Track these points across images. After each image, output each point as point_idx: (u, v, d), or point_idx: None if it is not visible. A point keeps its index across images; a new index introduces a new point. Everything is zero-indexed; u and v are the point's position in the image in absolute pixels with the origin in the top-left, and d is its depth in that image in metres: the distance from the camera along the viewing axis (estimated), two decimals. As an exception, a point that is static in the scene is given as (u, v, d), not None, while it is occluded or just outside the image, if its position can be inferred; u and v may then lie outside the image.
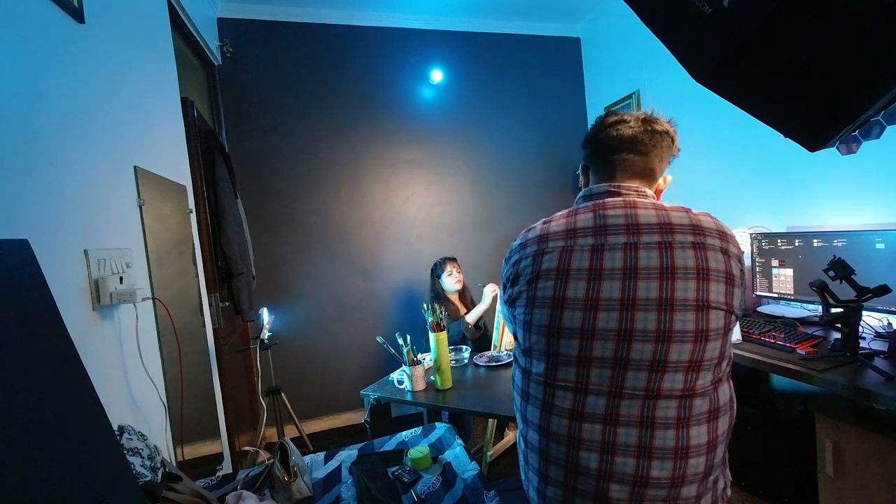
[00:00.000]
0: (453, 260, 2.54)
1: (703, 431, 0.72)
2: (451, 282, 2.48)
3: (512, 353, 0.89)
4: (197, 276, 1.74)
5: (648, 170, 0.85)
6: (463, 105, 3.17)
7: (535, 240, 0.84)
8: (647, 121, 0.86)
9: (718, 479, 0.78)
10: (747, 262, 2.07)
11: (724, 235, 0.76)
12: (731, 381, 0.80)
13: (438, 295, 2.48)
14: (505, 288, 0.89)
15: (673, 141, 0.86)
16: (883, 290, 1.27)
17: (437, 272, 2.52)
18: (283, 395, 2.20)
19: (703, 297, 0.71)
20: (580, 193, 0.90)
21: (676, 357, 0.71)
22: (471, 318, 2.36)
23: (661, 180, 0.89)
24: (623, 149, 0.84)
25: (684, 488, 0.72)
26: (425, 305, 1.85)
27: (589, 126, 0.91)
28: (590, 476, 0.74)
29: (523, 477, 0.88)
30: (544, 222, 0.86)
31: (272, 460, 1.19)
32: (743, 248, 0.82)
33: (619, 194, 0.83)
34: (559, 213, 0.86)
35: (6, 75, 0.84)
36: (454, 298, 2.54)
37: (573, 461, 0.76)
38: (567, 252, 0.78)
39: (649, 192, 0.84)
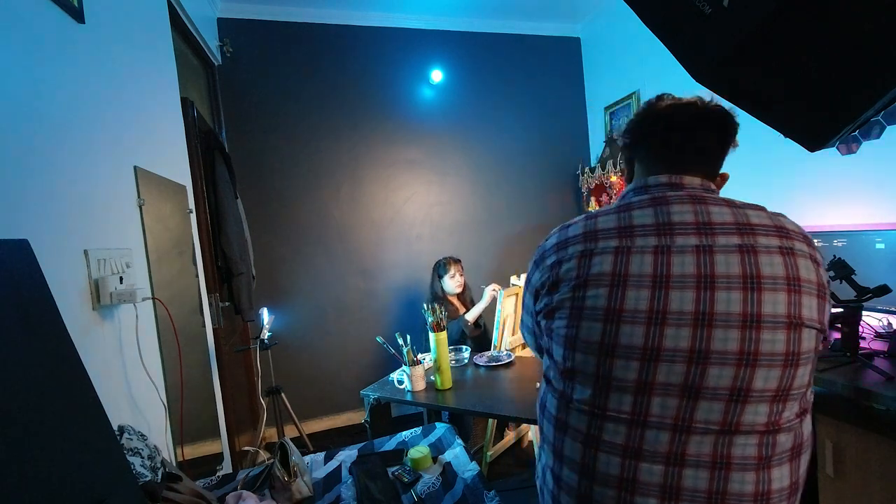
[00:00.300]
0: (458, 262, 2.53)
1: (785, 473, 0.61)
2: (452, 284, 2.48)
3: (544, 374, 0.78)
4: (197, 276, 1.74)
5: (714, 160, 0.73)
6: (463, 105, 3.17)
7: (579, 238, 0.70)
8: (716, 105, 0.71)
9: None
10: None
11: (809, 240, 0.65)
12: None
13: (437, 295, 2.48)
14: (537, 296, 0.75)
15: (737, 131, 0.73)
16: (883, 290, 1.27)
17: (439, 272, 2.52)
18: (283, 395, 2.20)
19: (795, 312, 0.59)
20: (628, 187, 0.76)
21: (762, 385, 0.59)
22: (470, 316, 2.36)
23: (719, 178, 0.76)
24: (698, 126, 0.70)
25: None
26: (425, 305, 1.85)
27: (643, 105, 0.77)
28: None
29: None
30: (587, 218, 0.72)
31: (272, 460, 1.19)
32: None
33: (681, 187, 0.69)
34: (604, 209, 0.72)
35: (6, 75, 0.84)
36: (453, 299, 2.54)
37: None
38: (623, 253, 0.65)
39: (714, 186, 0.72)
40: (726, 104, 0.73)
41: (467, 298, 2.59)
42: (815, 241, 1.73)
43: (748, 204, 0.67)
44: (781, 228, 0.63)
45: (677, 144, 0.71)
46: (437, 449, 1.36)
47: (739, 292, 0.60)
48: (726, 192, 0.72)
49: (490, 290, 2.35)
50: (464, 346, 2.11)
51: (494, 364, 1.97)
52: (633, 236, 0.65)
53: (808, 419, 0.64)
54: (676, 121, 0.71)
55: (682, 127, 0.71)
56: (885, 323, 1.59)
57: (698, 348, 0.60)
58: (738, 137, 0.73)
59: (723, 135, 0.71)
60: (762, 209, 0.66)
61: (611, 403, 0.64)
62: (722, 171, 0.75)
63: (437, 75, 3.06)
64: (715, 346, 0.59)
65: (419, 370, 1.75)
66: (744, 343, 0.59)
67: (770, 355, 0.59)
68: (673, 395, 0.61)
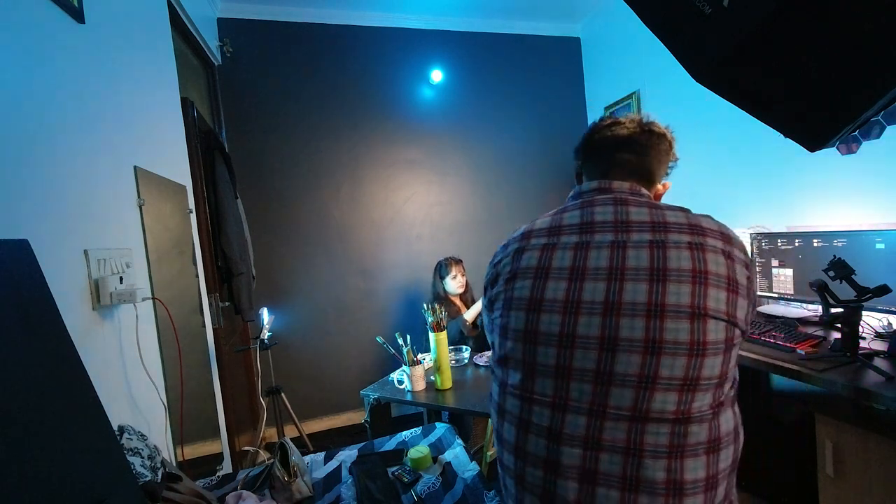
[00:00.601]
0: (459, 262, 2.53)
1: (700, 465, 0.62)
2: (454, 285, 2.48)
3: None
4: (197, 276, 1.74)
5: (646, 171, 0.80)
6: (463, 105, 3.17)
7: (517, 238, 0.78)
8: (644, 123, 0.82)
9: None
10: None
11: (728, 238, 0.68)
12: (738, 407, 0.70)
13: (439, 295, 2.48)
14: (486, 291, 0.82)
15: (671, 145, 0.83)
16: (883, 290, 1.27)
17: (441, 273, 2.52)
18: (283, 395, 2.20)
19: (699, 303, 0.62)
20: (570, 194, 0.85)
21: (668, 373, 0.61)
22: (469, 315, 2.36)
23: (659, 185, 0.83)
24: (618, 148, 0.80)
25: None
26: (425, 305, 1.85)
27: (588, 127, 0.87)
28: None
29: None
30: (533, 220, 0.80)
31: (272, 460, 1.19)
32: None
33: (609, 191, 0.76)
34: (548, 213, 0.80)
35: (6, 75, 0.84)
36: (455, 299, 2.54)
37: (550, 489, 0.66)
38: (549, 249, 0.72)
39: (645, 191, 0.78)
40: (726, 104, 0.73)
41: (468, 298, 2.60)
42: (815, 241, 1.74)
43: (672, 206, 0.72)
44: (695, 227, 0.67)
45: (612, 160, 0.80)
46: (437, 449, 1.36)
47: (646, 283, 0.63)
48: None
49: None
50: (464, 346, 2.11)
51: (494, 364, 1.96)
52: (560, 234, 0.73)
53: (727, 414, 0.65)
54: (607, 145, 0.81)
55: (614, 149, 0.81)
56: (885, 323, 1.59)
57: (608, 336, 0.64)
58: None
59: (655, 152, 0.81)
60: (684, 210, 0.70)
61: (537, 387, 0.69)
62: (667, 181, 0.85)
63: (437, 75, 3.06)
64: (622, 334, 0.63)
65: (419, 370, 1.75)
66: (649, 331, 0.62)
67: (674, 343, 0.61)
68: (588, 380, 0.65)
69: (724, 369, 0.64)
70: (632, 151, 0.80)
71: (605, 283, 0.65)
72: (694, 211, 0.72)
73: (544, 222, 0.77)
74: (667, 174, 0.85)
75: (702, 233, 0.66)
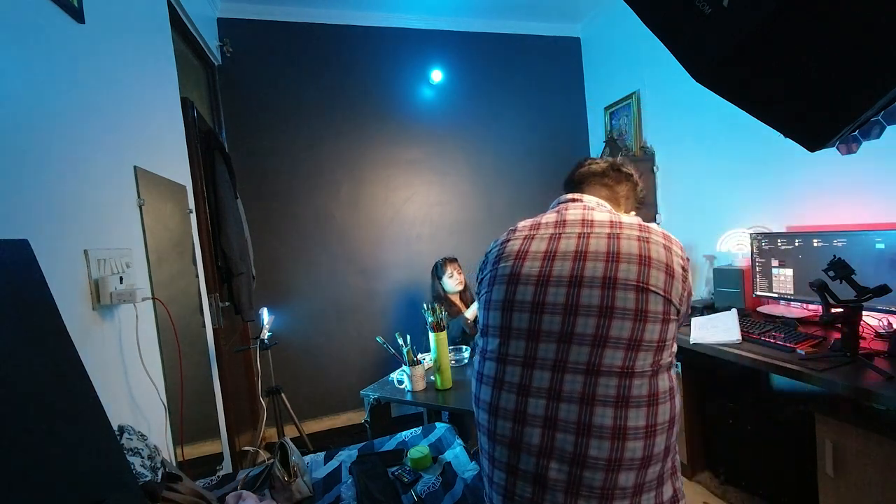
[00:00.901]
0: (454, 261, 2.54)
1: (641, 414, 0.74)
2: (452, 283, 2.48)
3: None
4: (197, 276, 1.74)
5: (611, 198, 0.98)
6: (463, 105, 3.17)
7: (506, 233, 0.94)
8: (615, 164, 1.02)
9: (664, 483, 0.77)
10: (745, 262, 2.07)
11: (669, 238, 0.84)
12: (676, 380, 0.81)
13: (440, 296, 2.49)
14: (478, 276, 0.97)
15: (635, 185, 1.02)
16: (883, 290, 1.27)
17: (437, 273, 2.52)
18: (283, 395, 2.20)
19: (643, 279, 0.77)
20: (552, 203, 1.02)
21: (617, 333, 0.75)
22: (469, 314, 2.36)
23: (623, 214, 0.98)
24: (592, 181, 1.00)
25: (621, 475, 0.73)
26: (425, 305, 1.85)
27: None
28: (531, 453, 0.76)
29: (481, 467, 0.90)
30: (524, 220, 0.96)
31: (272, 460, 1.19)
32: (687, 259, 0.88)
33: (581, 201, 0.94)
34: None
35: (6, 75, 0.84)
36: (455, 299, 2.54)
37: (517, 438, 0.78)
38: (529, 239, 0.88)
39: (610, 207, 0.95)
40: (726, 104, 0.73)
41: (469, 297, 2.60)
42: (815, 241, 1.75)
43: (628, 216, 0.89)
44: (644, 227, 0.84)
45: (586, 186, 1.01)
46: (438, 449, 1.36)
47: (603, 262, 0.79)
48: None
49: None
50: (464, 346, 2.11)
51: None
52: (539, 229, 0.90)
53: (663, 376, 0.77)
54: (584, 176, 1.02)
55: (590, 180, 1.01)
56: (885, 323, 1.59)
57: (571, 303, 0.78)
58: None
59: (623, 188, 1.00)
60: (637, 219, 0.87)
61: (510, 350, 0.82)
62: (634, 215, 0.99)
63: (437, 75, 3.06)
64: (583, 301, 0.77)
65: (419, 370, 1.75)
66: (603, 299, 0.76)
67: (623, 310, 0.75)
68: (553, 340, 0.78)
69: (661, 336, 0.77)
70: (603, 184, 1.00)
71: (571, 263, 0.81)
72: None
73: (528, 222, 0.94)
74: (636, 209, 1.05)
75: (648, 231, 0.83)
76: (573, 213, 0.90)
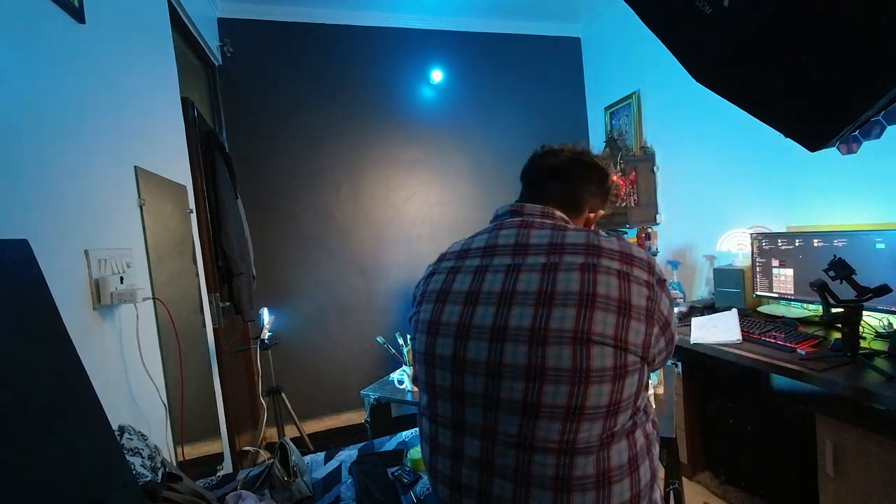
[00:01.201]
0: None
1: (588, 500, 0.59)
2: None
3: None
4: (197, 275, 1.74)
5: (570, 197, 0.81)
6: (463, 105, 3.17)
7: (436, 260, 0.80)
8: (578, 153, 0.84)
9: None
10: (745, 261, 2.07)
11: (628, 258, 0.64)
12: (643, 435, 0.65)
13: None
14: (409, 318, 0.84)
15: (603, 176, 0.84)
16: (883, 290, 1.27)
17: None
18: (283, 395, 2.20)
19: (583, 327, 0.59)
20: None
21: (551, 400, 0.59)
22: None
23: (590, 214, 0.84)
24: (549, 176, 0.83)
25: None
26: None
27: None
28: None
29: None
30: (452, 244, 0.82)
31: (272, 460, 1.19)
32: (664, 276, 0.69)
33: (520, 214, 0.76)
34: (467, 236, 0.82)
35: (6, 75, 0.84)
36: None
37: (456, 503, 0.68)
38: (453, 272, 0.73)
39: (560, 214, 0.77)
40: (726, 104, 0.73)
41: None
42: (815, 241, 1.74)
43: (581, 228, 0.72)
44: (593, 247, 0.65)
45: (539, 188, 0.83)
46: (437, 449, 1.36)
47: (532, 308, 0.62)
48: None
49: None
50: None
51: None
52: (466, 258, 0.73)
53: (619, 445, 0.61)
54: (538, 174, 0.85)
55: (543, 178, 0.84)
56: (886, 323, 1.59)
57: (494, 361, 0.63)
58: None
59: (586, 183, 0.83)
60: (592, 233, 0.68)
61: (439, 410, 0.70)
62: (602, 210, 0.87)
63: (437, 75, 3.06)
64: (507, 360, 0.62)
65: (419, 370, 1.75)
66: (531, 358, 0.60)
67: (556, 370, 0.59)
68: (478, 404, 0.64)
69: (614, 398, 0.60)
70: (560, 180, 0.82)
71: (495, 308, 0.65)
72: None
73: (457, 245, 0.79)
74: (607, 204, 0.88)
75: (597, 253, 0.64)
76: (506, 234, 0.72)
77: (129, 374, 1.15)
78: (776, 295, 1.92)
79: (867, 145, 1.72)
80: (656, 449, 0.68)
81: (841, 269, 1.36)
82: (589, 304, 0.60)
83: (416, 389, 1.73)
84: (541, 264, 0.65)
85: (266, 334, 2.12)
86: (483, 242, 0.74)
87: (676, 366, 1.95)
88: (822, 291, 1.40)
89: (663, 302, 0.64)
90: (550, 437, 0.59)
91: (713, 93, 0.71)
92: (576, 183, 0.82)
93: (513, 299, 0.64)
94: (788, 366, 1.38)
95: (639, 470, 0.63)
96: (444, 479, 0.69)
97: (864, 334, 1.49)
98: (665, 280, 0.67)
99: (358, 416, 2.98)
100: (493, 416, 0.63)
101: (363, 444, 1.43)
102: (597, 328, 0.59)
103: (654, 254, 2.70)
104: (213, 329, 1.89)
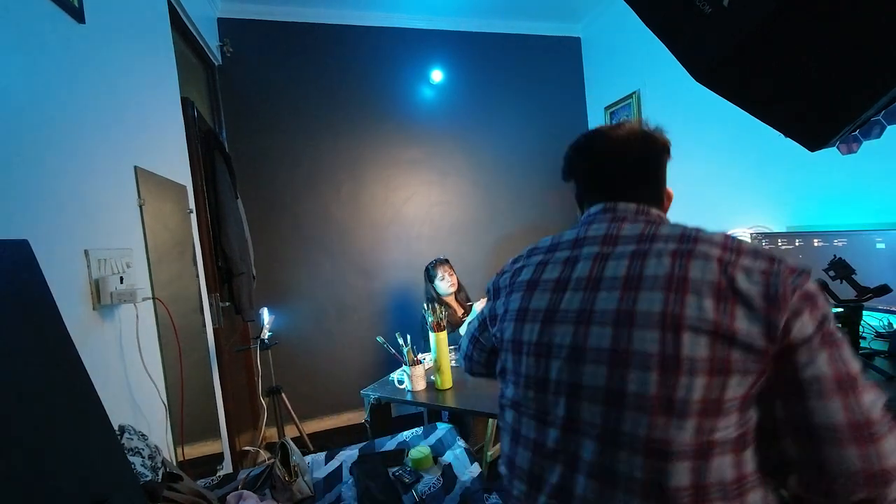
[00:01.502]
0: (445, 262, 2.53)
1: None
2: (444, 286, 2.48)
3: None
4: (197, 276, 1.75)
5: (655, 188, 0.73)
6: (463, 105, 3.17)
7: (523, 255, 0.78)
8: (641, 133, 0.73)
9: None
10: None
11: (733, 248, 0.57)
12: (755, 462, 0.54)
13: (433, 298, 2.48)
14: (488, 301, 0.83)
15: (668, 150, 0.74)
16: (883, 289, 1.27)
17: (430, 276, 2.52)
18: (283, 394, 2.20)
19: (673, 310, 0.54)
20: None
21: (636, 388, 0.54)
22: (464, 329, 2.36)
23: (665, 200, 0.76)
24: (618, 165, 0.73)
25: None
26: (426, 305, 1.85)
27: (578, 144, 0.81)
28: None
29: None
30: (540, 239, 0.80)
31: (273, 460, 1.19)
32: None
33: (613, 211, 0.71)
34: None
35: (6, 75, 0.84)
36: (450, 300, 2.54)
37: (537, 475, 0.64)
38: (542, 265, 0.72)
39: (655, 211, 0.71)
40: (726, 104, 0.73)
41: (463, 298, 2.59)
42: (815, 240, 1.74)
43: (677, 224, 0.65)
44: (688, 237, 0.60)
45: (606, 182, 0.74)
46: (438, 450, 1.36)
47: (619, 291, 0.59)
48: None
49: (479, 307, 2.34)
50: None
51: (494, 364, 1.96)
52: (556, 251, 0.72)
53: (722, 461, 0.51)
54: (598, 162, 0.75)
55: (603, 167, 0.74)
56: (886, 323, 1.59)
57: (578, 344, 0.60)
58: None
59: (645, 171, 0.73)
60: (681, 227, 0.63)
61: (523, 399, 0.67)
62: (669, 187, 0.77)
63: (437, 75, 3.06)
64: (591, 343, 0.59)
65: (419, 370, 1.75)
66: (616, 341, 0.57)
67: (642, 354, 0.54)
68: (562, 392, 0.61)
69: (711, 395, 0.51)
70: (634, 168, 0.72)
71: (583, 293, 0.63)
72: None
73: (547, 240, 0.76)
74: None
75: (694, 240, 0.59)
76: (597, 227, 0.69)
77: (129, 374, 1.15)
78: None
79: (867, 145, 1.72)
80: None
81: (841, 268, 1.36)
82: (679, 288, 0.55)
83: (421, 388, 1.73)
84: (630, 251, 0.62)
85: (266, 334, 2.12)
86: (573, 235, 0.72)
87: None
88: (821, 291, 1.40)
89: (795, 293, 0.54)
90: (638, 431, 0.53)
91: (713, 92, 0.71)
92: (654, 171, 0.73)
93: (600, 284, 0.62)
94: (788, 366, 1.38)
95: (746, 496, 0.53)
96: (521, 474, 0.66)
97: (864, 334, 1.49)
98: (802, 271, 0.56)
99: (358, 416, 2.98)
100: (575, 405, 0.59)
101: (364, 443, 1.43)
102: (689, 311, 0.53)
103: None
104: (213, 329, 1.89)
